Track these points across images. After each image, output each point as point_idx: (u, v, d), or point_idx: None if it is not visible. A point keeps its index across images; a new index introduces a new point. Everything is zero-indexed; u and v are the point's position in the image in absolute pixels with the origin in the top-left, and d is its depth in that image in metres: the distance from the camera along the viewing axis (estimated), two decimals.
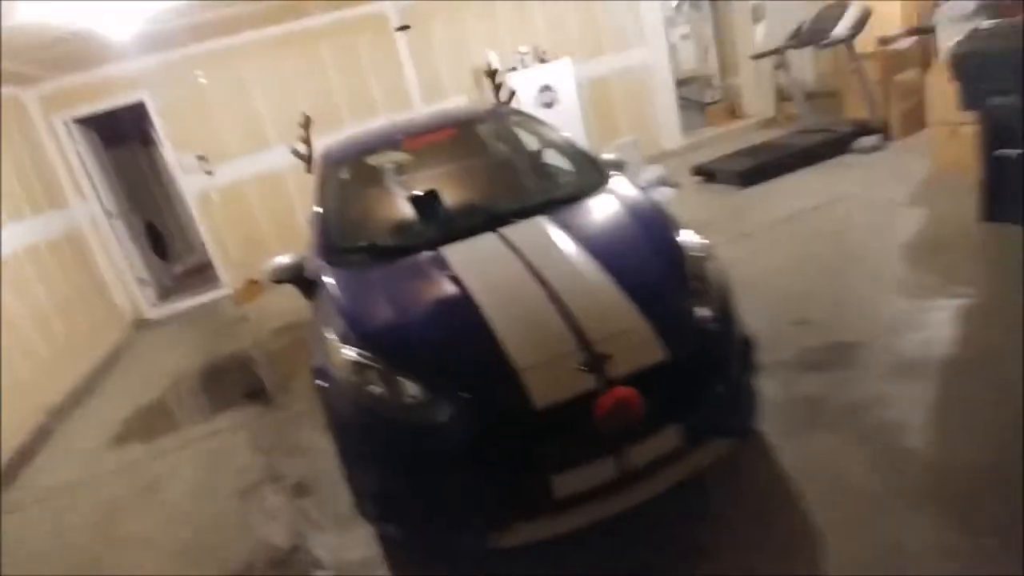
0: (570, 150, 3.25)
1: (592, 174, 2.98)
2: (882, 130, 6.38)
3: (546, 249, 2.39)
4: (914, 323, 3.14)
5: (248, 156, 6.67)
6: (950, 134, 5.05)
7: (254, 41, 6.42)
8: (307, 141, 3.95)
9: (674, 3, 7.83)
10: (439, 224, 2.78)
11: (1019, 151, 3.67)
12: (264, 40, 6.45)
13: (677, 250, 2.38)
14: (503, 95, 4.27)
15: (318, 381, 2.36)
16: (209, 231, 6.73)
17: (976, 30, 3.85)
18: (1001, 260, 3.56)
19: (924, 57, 6.50)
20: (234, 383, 4.59)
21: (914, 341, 2.99)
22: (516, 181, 3.20)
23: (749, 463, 2.43)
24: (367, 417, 2.09)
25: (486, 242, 2.51)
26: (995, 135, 3.79)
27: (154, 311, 6.83)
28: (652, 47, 7.83)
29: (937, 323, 3.10)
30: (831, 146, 6.36)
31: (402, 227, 2.82)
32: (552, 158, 3.25)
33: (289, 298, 6.44)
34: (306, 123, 3.94)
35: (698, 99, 8.69)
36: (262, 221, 6.82)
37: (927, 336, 3.00)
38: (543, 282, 2.19)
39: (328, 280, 2.58)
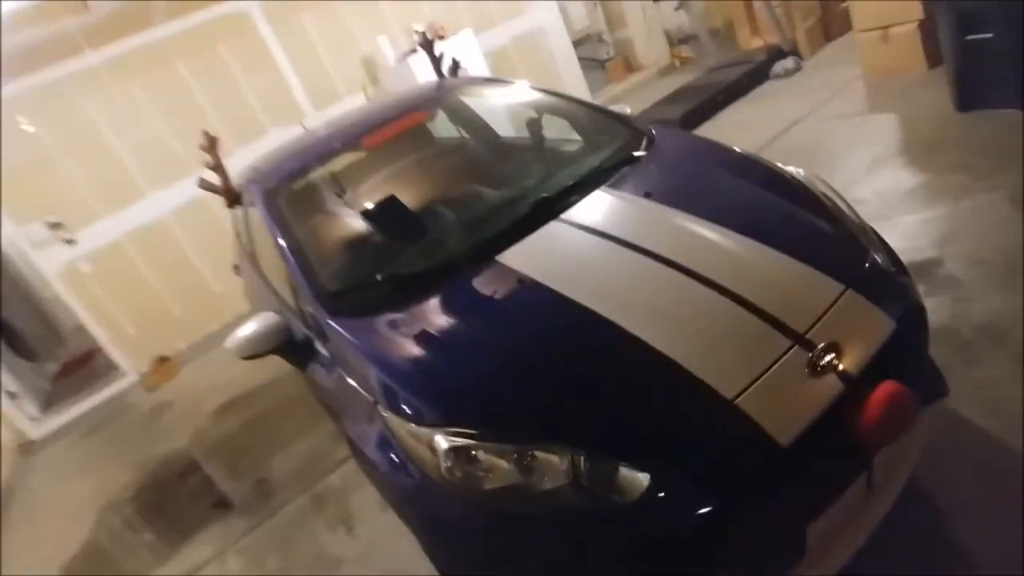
0: (576, 108, 2.66)
1: (623, 129, 2.41)
2: (795, 51, 6.36)
3: (651, 225, 1.81)
4: (972, 226, 2.89)
5: (118, 211, 5.43)
6: (880, 39, 5.01)
7: (92, 68, 5.17)
8: (219, 167, 3.05)
9: None
10: (470, 228, 2.10)
11: (990, 34, 3.56)
12: (104, 65, 5.22)
13: (806, 191, 1.89)
14: (445, 67, 3.58)
15: (388, 481, 1.65)
16: (88, 310, 5.43)
17: None
18: (1008, 143, 3.42)
19: None
20: (190, 495, 3.59)
21: (989, 244, 2.73)
22: (534, 157, 2.57)
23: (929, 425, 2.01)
24: (500, 521, 1.42)
25: (560, 234, 1.88)
26: (963, 21, 3.66)
27: (39, 427, 5.44)
28: (542, 9, 7.37)
29: (997, 219, 2.87)
30: (752, 76, 6.25)
31: (425, 242, 2.11)
32: (559, 123, 2.65)
33: (218, 367, 5.44)
34: (212, 144, 3.03)
35: (594, 57, 8.36)
36: (154, 283, 5.62)
37: (997, 237, 2.75)
38: (682, 268, 1.60)
39: (348, 338, 1.84)
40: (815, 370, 1.35)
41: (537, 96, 2.83)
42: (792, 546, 1.35)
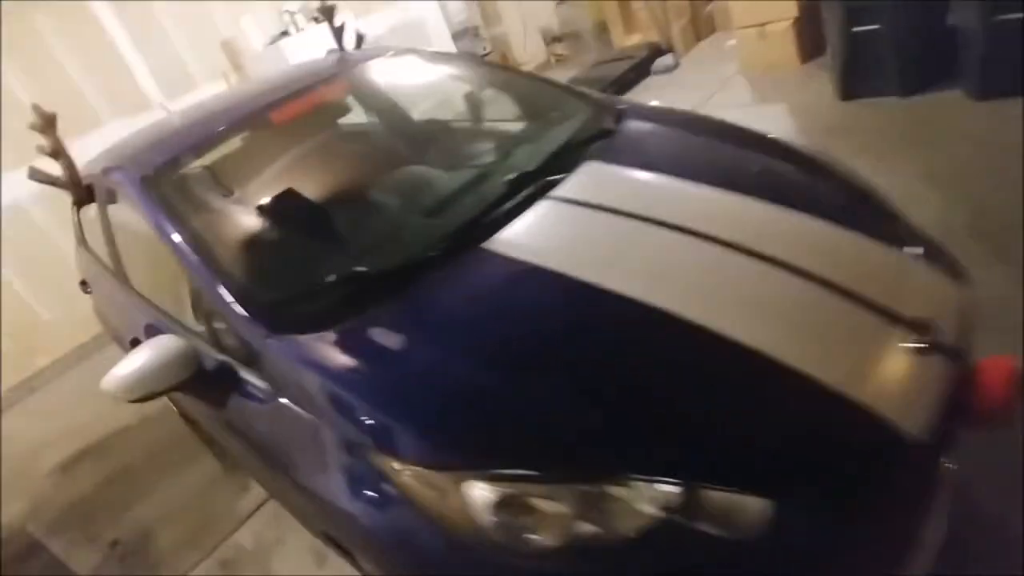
0: (522, 80, 2.36)
1: (581, 102, 2.12)
2: (672, 49, 6.56)
3: (670, 198, 1.55)
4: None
5: None
6: (758, 36, 5.25)
7: None
8: (61, 152, 2.35)
9: None
10: (438, 215, 1.71)
11: (877, 26, 3.79)
12: None
13: (817, 160, 1.74)
14: (348, 42, 3.10)
15: (379, 546, 1.24)
16: None
17: None
18: (899, 127, 3.65)
19: None
20: None
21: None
22: (488, 133, 2.19)
23: None
24: None
25: (560, 213, 1.57)
26: (851, 14, 3.87)
27: None
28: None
29: (911, 199, 2.97)
30: (636, 71, 6.34)
31: (383, 234, 1.69)
32: (504, 96, 2.32)
33: (52, 412, 4.37)
34: (49, 123, 2.32)
35: (472, 52, 8.11)
36: None
37: (917, 215, 2.85)
38: (730, 244, 1.35)
39: (305, 361, 1.37)
40: (920, 350, 1.16)
41: (474, 68, 2.49)
42: (912, 545, 1.14)
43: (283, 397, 1.42)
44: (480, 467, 1.08)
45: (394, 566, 1.25)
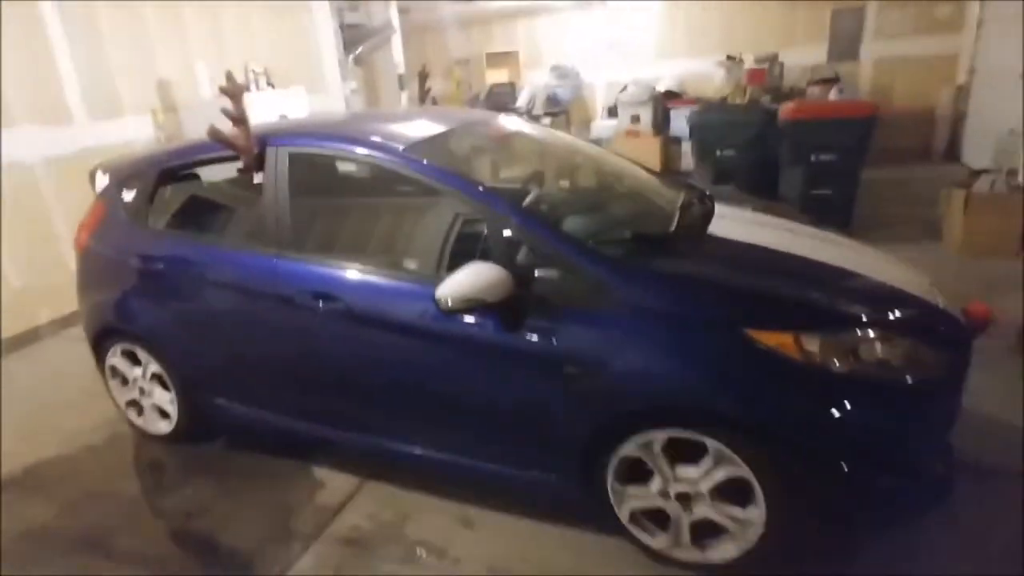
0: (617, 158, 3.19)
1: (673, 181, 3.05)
2: None
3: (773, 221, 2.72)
4: None
5: None
6: None
7: None
8: (244, 120, 2.50)
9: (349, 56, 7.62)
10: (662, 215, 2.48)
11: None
12: None
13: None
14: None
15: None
16: None
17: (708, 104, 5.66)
18: None
19: None
20: None
21: None
22: (630, 180, 2.93)
23: None
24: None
25: (729, 224, 2.48)
26: (719, 177, 5.59)
27: None
28: (332, 95, 7.51)
29: None
30: None
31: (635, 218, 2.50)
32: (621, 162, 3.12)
33: None
34: (238, 92, 2.51)
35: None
36: None
37: None
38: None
39: (666, 282, 2.02)
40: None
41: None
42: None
43: (630, 314, 1.90)
44: (806, 329, 1.80)
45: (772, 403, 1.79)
